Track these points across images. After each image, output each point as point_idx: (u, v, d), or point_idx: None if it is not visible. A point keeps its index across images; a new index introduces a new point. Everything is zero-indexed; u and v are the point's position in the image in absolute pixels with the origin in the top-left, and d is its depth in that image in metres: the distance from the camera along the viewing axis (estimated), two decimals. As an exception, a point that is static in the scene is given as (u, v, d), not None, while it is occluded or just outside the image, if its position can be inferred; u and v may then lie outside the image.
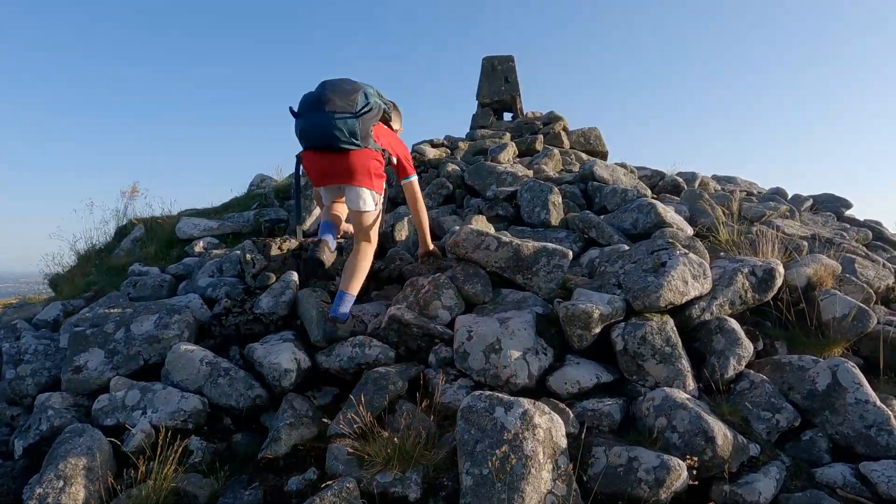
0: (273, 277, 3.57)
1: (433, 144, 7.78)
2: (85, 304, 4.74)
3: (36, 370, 3.23)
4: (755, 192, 6.97)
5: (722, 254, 3.87)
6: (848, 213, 6.42)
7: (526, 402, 2.18)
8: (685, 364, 2.66)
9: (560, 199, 4.71)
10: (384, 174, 3.17)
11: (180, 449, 2.41)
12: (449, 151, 7.55)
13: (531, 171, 6.12)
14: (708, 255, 3.72)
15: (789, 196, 6.70)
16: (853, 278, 3.52)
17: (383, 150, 3.11)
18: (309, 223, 5.37)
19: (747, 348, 2.76)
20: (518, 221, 4.86)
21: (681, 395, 2.45)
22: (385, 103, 3.20)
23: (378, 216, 3.21)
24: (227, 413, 2.82)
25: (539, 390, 2.69)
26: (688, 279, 2.87)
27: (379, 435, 2.34)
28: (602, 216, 4.59)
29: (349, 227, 3.57)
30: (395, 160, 3.29)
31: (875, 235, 5.56)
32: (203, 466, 2.50)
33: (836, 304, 3.11)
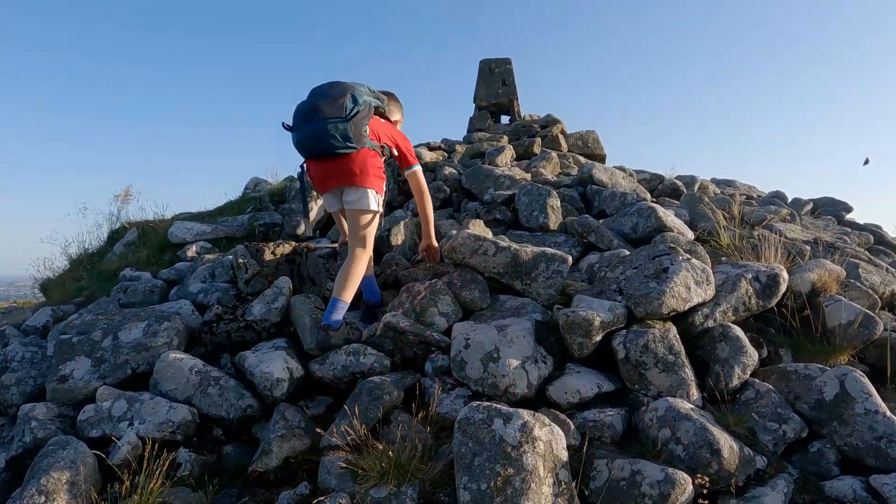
0: (266, 283, 3.49)
1: (430, 147, 7.71)
2: (75, 309, 4.64)
3: (21, 379, 3.14)
4: (755, 195, 6.91)
5: (724, 258, 3.80)
6: (848, 216, 6.38)
7: (525, 414, 2.11)
8: (688, 373, 2.59)
9: (559, 203, 4.64)
10: (384, 175, 3.14)
11: (168, 462, 2.32)
12: (446, 155, 7.48)
13: (529, 175, 6.05)
14: (709, 260, 3.65)
15: (789, 200, 6.65)
16: (858, 284, 3.45)
17: (382, 146, 3.10)
18: (303, 228, 5.29)
19: (752, 356, 2.69)
20: (516, 225, 4.79)
21: (685, 406, 2.38)
22: (378, 97, 3.15)
23: (375, 219, 3.14)
24: (218, 423, 2.74)
25: (538, 400, 2.62)
26: (690, 285, 2.80)
27: (373, 447, 2.25)
28: (601, 220, 4.52)
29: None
30: (395, 152, 3.24)
31: (876, 239, 5.51)
32: (191, 480, 2.42)
33: (841, 310, 3.05)
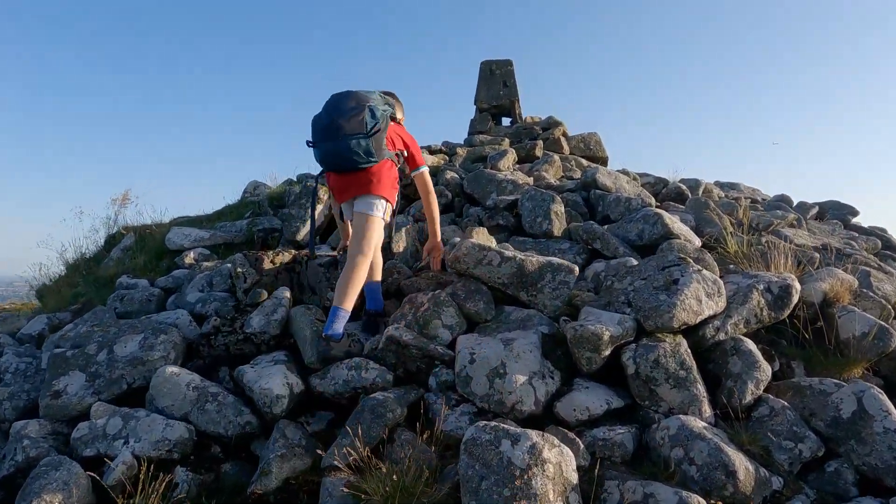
0: (265, 294, 3.41)
1: (431, 151, 7.64)
2: (71, 317, 4.56)
3: (14, 393, 3.06)
4: (759, 198, 6.85)
5: (732, 266, 3.73)
6: (854, 220, 6.31)
7: (534, 435, 2.03)
8: (700, 389, 2.52)
9: (562, 209, 4.57)
10: (397, 186, 3.20)
11: (165, 483, 2.25)
12: (447, 158, 7.41)
13: (531, 179, 5.98)
14: (717, 268, 3.58)
15: (794, 203, 6.58)
16: (870, 293, 3.38)
17: (397, 154, 3.16)
18: (304, 233, 5.21)
19: (765, 371, 2.62)
20: (519, 231, 4.71)
21: (697, 424, 2.30)
22: (388, 103, 3.17)
23: (379, 227, 3.10)
24: (216, 441, 2.66)
25: (546, 417, 2.54)
26: (702, 298, 2.73)
27: (377, 468, 2.18)
28: (606, 226, 4.45)
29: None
30: (405, 154, 3.29)
31: (883, 244, 5.44)
32: (189, 501, 2.34)
33: (855, 321, 2.97)
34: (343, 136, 2.88)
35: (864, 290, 3.39)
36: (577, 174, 6.86)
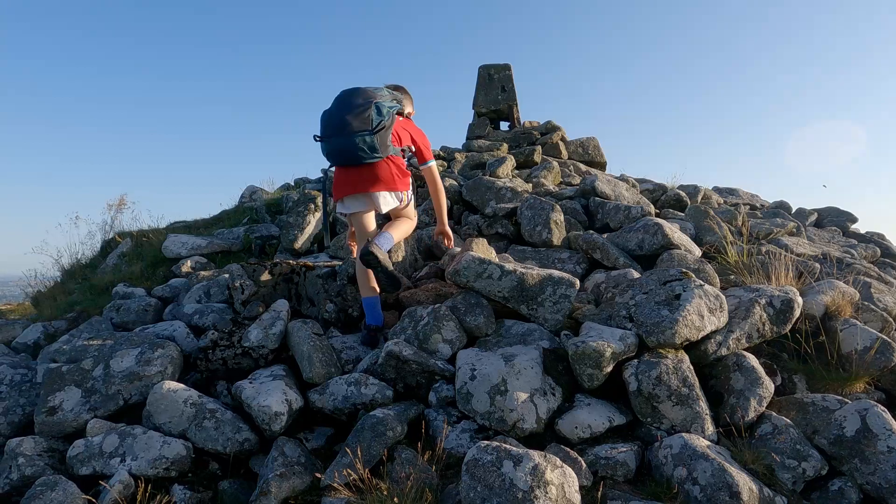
0: (262, 307, 3.38)
1: (429, 155, 7.61)
2: (66, 326, 4.53)
3: (9, 408, 3.02)
4: (758, 205, 6.84)
5: (732, 277, 3.72)
6: (853, 227, 6.31)
7: (536, 456, 2.01)
8: (703, 406, 2.50)
9: (562, 217, 4.55)
10: (409, 172, 3.37)
11: (163, 503, 2.22)
12: (446, 164, 7.39)
13: (530, 185, 5.96)
14: (718, 280, 3.57)
15: (793, 210, 6.58)
16: (871, 306, 3.37)
17: (402, 150, 3.29)
18: (302, 241, 5.18)
19: (768, 388, 2.60)
20: (519, 240, 4.70)
21: (701, 443, 2.29)
22: (395, 98, 3.25)
23: (411, 202, 3.46)
24: (214, 458, 2.63)
25: (547, 434, 2.52)
26: (704, 313, 2.71)
27: (377, 488, 2.16)
28: (605, 234, 4.43)
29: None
30: (413, 148, 3.42)
31: (882, 252, 5.44)
32: (186, 520, 2.31)
33: (856, 335, 2.96)
34: (350, 132, 2.98)
35: (866, 303, 3.38)
36: (576, 180, 6.85)
